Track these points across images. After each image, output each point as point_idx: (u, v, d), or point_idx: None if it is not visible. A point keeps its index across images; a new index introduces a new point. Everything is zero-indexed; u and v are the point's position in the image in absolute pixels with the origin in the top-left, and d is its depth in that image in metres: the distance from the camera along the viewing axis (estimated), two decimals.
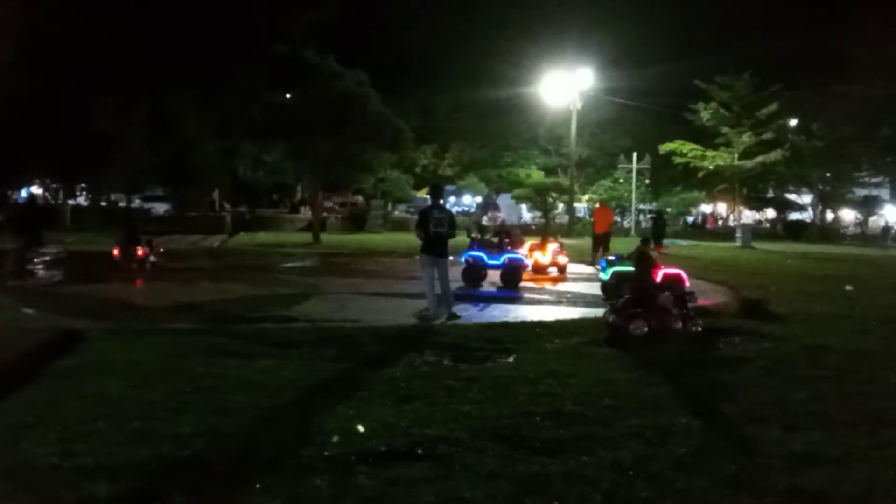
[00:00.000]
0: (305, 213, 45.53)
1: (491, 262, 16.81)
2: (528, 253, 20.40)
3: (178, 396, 6.98)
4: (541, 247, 20.30)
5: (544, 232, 27.36)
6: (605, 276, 15.29)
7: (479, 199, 62.57)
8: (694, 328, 10.86)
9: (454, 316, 11.99)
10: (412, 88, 47.19)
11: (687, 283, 13.47)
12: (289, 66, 32.02)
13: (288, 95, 34.17)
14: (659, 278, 12.92)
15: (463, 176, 54.71)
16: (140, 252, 18.60)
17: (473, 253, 17.08)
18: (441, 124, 51.51)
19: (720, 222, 65.16)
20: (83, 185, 52.85)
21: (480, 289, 16.50)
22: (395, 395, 7.17)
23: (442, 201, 13.42)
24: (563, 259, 20.15)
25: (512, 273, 16.77)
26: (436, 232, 12.08)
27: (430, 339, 10.08)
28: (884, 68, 51.17)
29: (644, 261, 12.02)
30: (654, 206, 55.12)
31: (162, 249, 20.38)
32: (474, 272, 16.86)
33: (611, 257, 16.19)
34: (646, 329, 10.53)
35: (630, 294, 11.37)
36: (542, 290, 16.89)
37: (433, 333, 10.65)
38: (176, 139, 36.51)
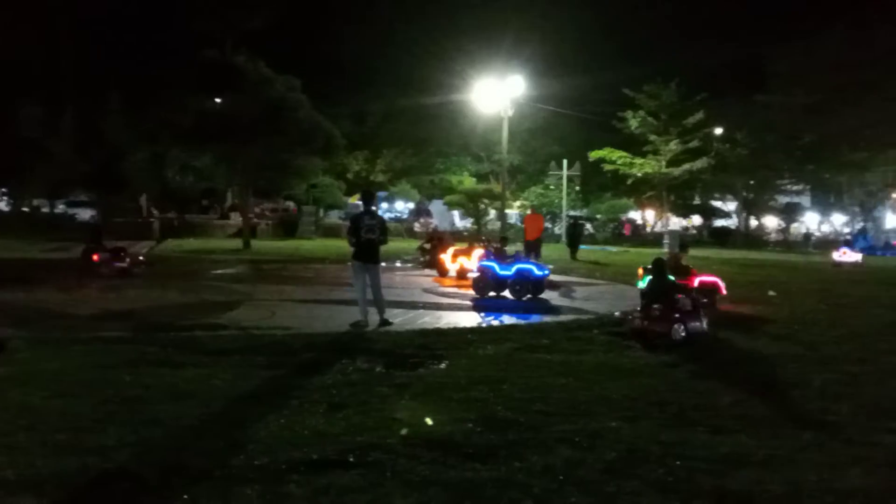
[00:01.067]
0: (236, 219, 44.96)
1: (502, 272, 16.42)
2: (452, 258, 20.54)
3: (105, 407, 6.83)
4: (466, 252, 20.43)
5: (479, 238, 27.30)
6: (643, 283, 14.71)
7: (411, 205, 62.64)
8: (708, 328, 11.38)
9: (386, 322, 11.96)
10: (344, 94, 47.03)
11: (724, 290, 14.81)
12: (218, 72, 31.61)
13: (218, 101, 33.72)
14: (696, 284, 14.33)
15: (395, 182, 54.73)
16: (123, 258, 19.28)
17: (485, 263, 16.83)
18: (373, 130, 51.51)
19: (649, 229, 66.17)
20: (4, 190, 51.45)
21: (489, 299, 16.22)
22: (326, 403, 7.12)
23: (374, 207, 13.40)
24: None
25: (521, 284, 16.25)
26: (367, 238, 12.04)
27: (362, 346, 10.04)
28: (804, 79, 52.70)
29: (677, 269, 12.88)
30: (583, 212, 55.74)
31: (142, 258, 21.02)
32: (485, 282, 16.60)
33: (649, 266, 16.01)
34: (683, 333, 10.86)
35: (652, 300, 11.64)
36: (473, 297, 16.93)
37: (365, 340, 10.60)
38: (103, 145, 35.78)
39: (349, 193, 50.94)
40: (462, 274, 20.06)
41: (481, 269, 16.73)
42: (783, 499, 5.18)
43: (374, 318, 11.94)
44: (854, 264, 30.44)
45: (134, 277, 18.54)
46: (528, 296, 16.11)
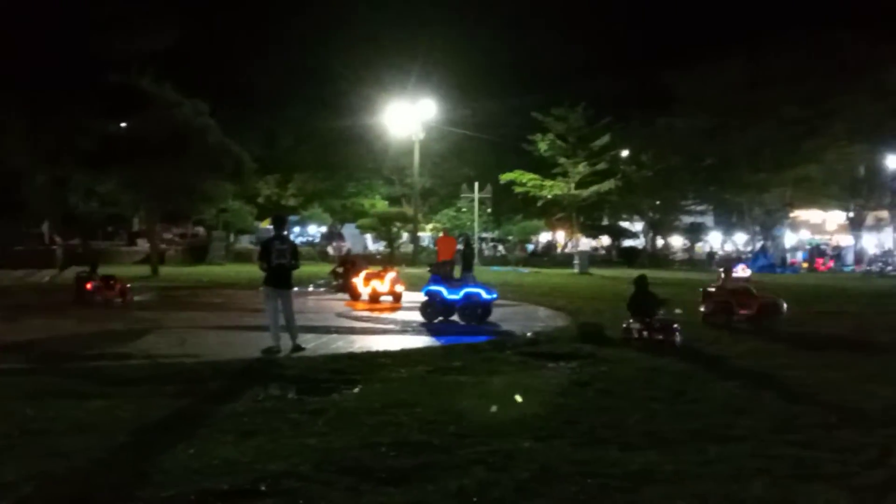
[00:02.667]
0: (143, 245, 43.96)
1: (450, 296, 16.15)
2: (364, 281, 20.51)
3: (5, 440, 6.60)
4: (378, 276, 20.45)
5: (386, 260, 27.26)
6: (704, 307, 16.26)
7: (323, 228, 62.28)
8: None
9: (299, 348, 11.85)
10: (255, 118, 46.66)
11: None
12: (123, 95, 30.97)
13: (123, 124, 33.01)
14: (755, 308, 15.61)
15: (307, 206, 54.41)
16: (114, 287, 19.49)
17: (432, 287, 16.48)
18: (284, 154, 51.15)
19: (559, 250, 67.13)
20: None
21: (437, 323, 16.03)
22: (237, 431, 7.01)
23: (285, 232, 13.29)
24: (399, 288, 20.35)
25: (470, 308, 16.01)
26: (279, 263, 11.94)
27: (274, 373, 9.93)
28: (705, 103, 54.44)
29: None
30: (495, 234, 56.30)
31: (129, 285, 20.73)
32: (433, 307, 16.32)
33: (710, 288, 16.81)
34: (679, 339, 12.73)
35: (643, 315, 13.30)
36: (386, 320, 16.93)
37: (277, 366, 10.48)
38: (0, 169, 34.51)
39: (260, 218, 50.43)
40: (375, 297, 20.09)
41: (429, 294, 16.46)
42: None
43: (286, 343, 11.82)
44: (744, 279, 31.81)
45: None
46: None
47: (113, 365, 10.52)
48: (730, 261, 44.17)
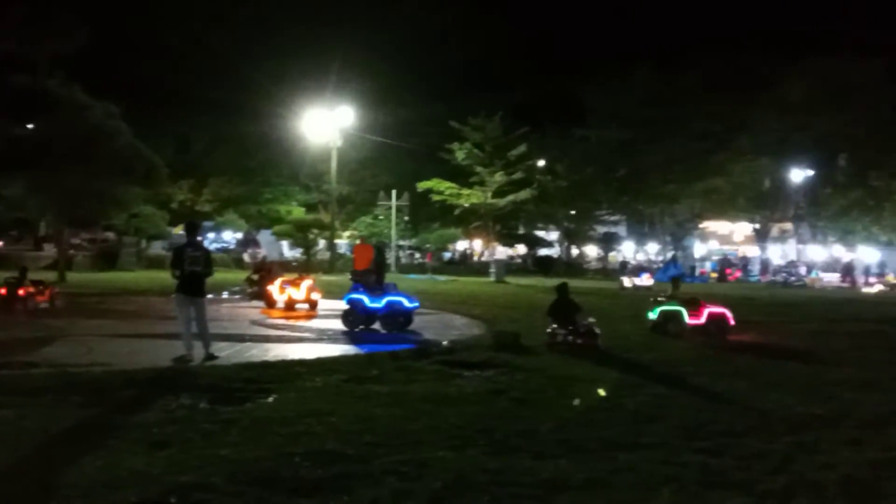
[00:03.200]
0: (50, 249, 42.65)
1: (372, 305, 16.06)
2: (279, 289, 20.32)
3: None
4: (294, 283, 20.29)
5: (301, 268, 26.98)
6: (654, 314, 16.57)
7: (239, 235, 61.42)
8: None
9: (212, 356, 11.65)
10: (168, 122, 45.77)
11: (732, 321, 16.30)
12: (30, 96, 30.04)
13: (29, 127, 32.01)
14: (704, 317, 16.13)
15: (222, 212, 53.55)
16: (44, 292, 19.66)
17: (354, 296, 16.34)
18: (199, 159, 50.32)
19: (476, 258, 67.53)
20: None
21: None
22: (147, 442, 6.86)
23: (199, 238, 13.07)
24: (316, 296, 20.22)
25: (392, 317, 16.02)
26: (191, 270, 11.73)
27: (186, 382, 9.73)
28: (618, 115, 55.64)
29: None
30: (412, 241, 56.31)
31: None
32: (355, 315, 16.19)
33: (660, 297, 17.08)
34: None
35: (565, 321, 14.14)
36: (302, 328, 16.78)
37: (190, 375, 10.28)
38: None
39: (173, 223, 49.41)
40: (290, 305, 19.92)
41: (351, 302, 16.37)
42: None
43: (198, 352, 11.61)
44: (645, 288, 34.64)
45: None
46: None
47: (16, 374, 10.20)
48: (634, 270, 45.42)
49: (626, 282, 36.51)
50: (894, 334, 18.34)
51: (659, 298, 17.25)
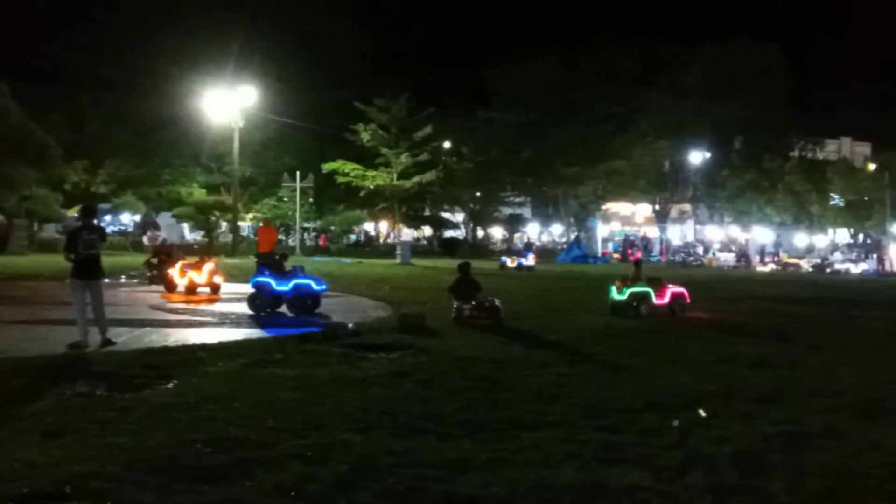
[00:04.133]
0: None
1: (279, 288, 15.78)
2: (180, 272, 19.89)
3: None
4: (196, 266, 19.88)
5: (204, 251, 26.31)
6: (623, 295, 16.85)
7: (137, 217, 59.81)
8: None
9: (109, 342, 11.32)
10: (61, 101, 44.11)
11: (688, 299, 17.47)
12: None
13: None
14: (668, 297, 17.07)
15: (119, 194, 51.94)
16: None
17: (260, 279, 16.04)
18: (94, 139, 48.56)
19: (382, 240, 67.37)
20: None
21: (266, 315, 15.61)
22: (40, 432, 6.64)
23: (95, 221, 12.66)
24: (218, 279, 19.88)
25: (300, 300, 15.80)
26: (87, 254, 11.37)
27: (81, 369, 9.43)
28: (522, 98, 56.18)
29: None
30: (317, 223, 55.83)
31: None
32: (261, 299, 15.90)
33: (628, 280, 17.23)
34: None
35: (462, 296, 14.97)
36: (204, 312, 16.46)
37: (85, 362, 9.97)
38: None
39: (68, 206, 47.73)
40: (192, 289, 19.51)
41: (257, 286, 16.13)
42: (504, 499, 5.46)
43: (95, 338, 11.27)
44: (528, 268, 36.85)
45: None
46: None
47: None
48: (518, 251, 46.61)
49: (509, 262, 37.95)
50: (785, 311, 19.06)
51: (627, 280, 17.49)
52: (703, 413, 7.87)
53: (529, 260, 38.07)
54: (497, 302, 15.09)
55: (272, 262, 16.93)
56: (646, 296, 16.86)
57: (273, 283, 15.93)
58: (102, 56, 46.51)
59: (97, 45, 47.47)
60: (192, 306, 17.27)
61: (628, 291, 16.93)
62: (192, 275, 19.62)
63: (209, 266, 19.92)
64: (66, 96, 45.03)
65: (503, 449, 6.48)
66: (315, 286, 16.09)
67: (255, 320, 14.97)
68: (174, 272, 20.05)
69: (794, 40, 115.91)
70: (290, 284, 15.87)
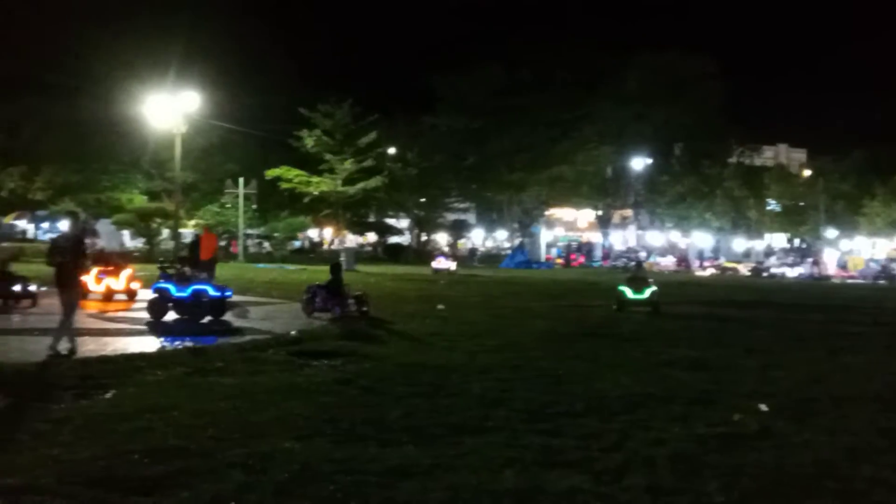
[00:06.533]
0: None
1: (178, 294, 15.62)
2: (95, 279, 19.57)
3: None
4: (114, 273, 19.65)
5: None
6: (642, 294, 19.07)
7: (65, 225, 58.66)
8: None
9: (56, 353, 11.08)
10: None
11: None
12: None
13: None
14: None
15: (56, 201, 50.88)
16: None
17: (161, 285, 15.89)
18: (30, 144, 47.50)
19: (326, 246, 67.05)
20: None
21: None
22: None
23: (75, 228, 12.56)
24: (135, 285, 19.67)
25: (198, 306, 15.64)
26: (59, 261, 11.20)
27: (13, 379, 9.20)
28: (466, 104, 56.46)
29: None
30: (261, 230, 55.24)
31: None
32: (161, 305, 15.72)
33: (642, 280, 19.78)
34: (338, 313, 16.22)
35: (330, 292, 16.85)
36: (141, 320, 16.13)
37: (17, 373, 9.71)
38: None
39: (4, 213, 46.67)
40: (108, 295, 19.24)
41: (157, 291, 16.00)
42: None
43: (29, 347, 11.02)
44: (449, 272, 38.13)
45: None
46: (208, 318, 15.63)
47: None
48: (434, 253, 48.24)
49: (436, 265, 40.46)
50: (723, 315, 19.42)
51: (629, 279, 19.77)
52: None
53: (447, 263, 40.35)
54: (365, 298, 16.98)
55: (176, 268, 16.79)
56: (658, 293, 19.08)
57: (172, 288, 15.86)
58: (38, 59, 45.58)
59: (33, 48, 46.45)
60: (134, 315, 16.95)
61: (648, 291, 18.87)
62: (109, 281, 19.39)
63: (127, 272, 19.75)
64: (1, 101, 44.02)
65: (445, 454, 6.49)
66: (212, 291, 15.97)
67: (198, 329, 14.74)
68: (89, 279, 19.56)
69: (732, 48, 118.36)
70: (189, 290, 15.81)
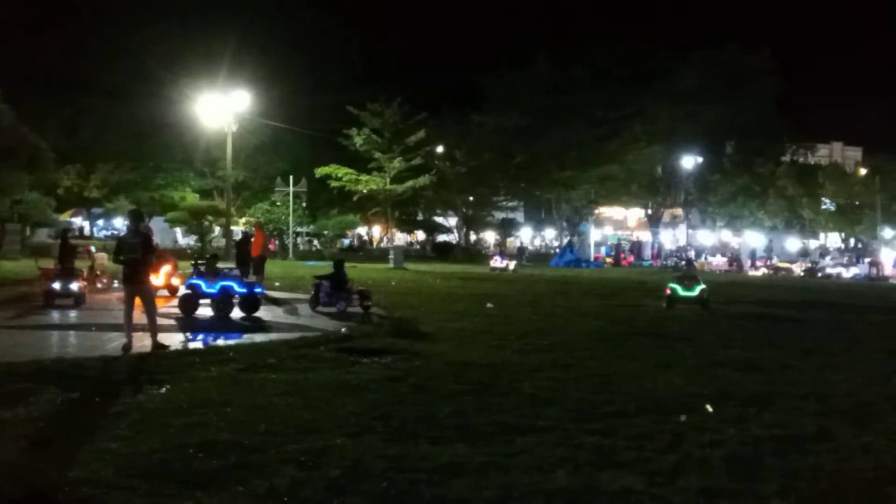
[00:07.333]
0: None
1: (207, 290, 16.01)
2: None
3: None
4: (154, 269, 19.91)
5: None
6: (693, 292, 19.60)
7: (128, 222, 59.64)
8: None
9: (160, 346, 11.45)
10: (54, 105, 43.98)
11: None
12: None
13: None
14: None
15: (111, 198, 51.86)
16: None
17: (192, 281, 16.35)
18: (87, 144, 48.46)
19: (375, 244, 67.27)
20: None
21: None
22: (30, 438, 6.60)
23: (142, 225, 12.83)
24: (175, 281, 19.92)
25: (225, 302, 15.96)
26: (128, 258, 11.47)
27: (73, 374, 9.38)
28: (515, 102, 56.25)
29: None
30: (310, 228, 55.60)
31: None
32: (191, 301, 16.06)
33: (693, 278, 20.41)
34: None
35: (343, 289, 17.81)
36: (194, 316, 16.37)
37: (77, 368, 9.89)
38: None
39: (60, 210, 47.61)
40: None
41: (189, 287, 16.42)
42: (496, 503, 5.45)
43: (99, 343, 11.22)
44: (506, 269, 38.85)
45: None
46: (241, 314, 15.91)
47: None
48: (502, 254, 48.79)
49: (493, 263, 40.87)
50: (777, 315, 19.10)
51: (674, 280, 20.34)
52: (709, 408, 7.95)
53: (504, 262, 40.58)
54: (367, 293, 18.02)
55: (210, 265, 17.09)
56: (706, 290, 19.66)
57: (203, 285, 16.22)
58: (96, 60, 46.46)
59: (90, 50, 47.37)
60: (164, 310, 17.16)
61: (698, 288, 19.35)
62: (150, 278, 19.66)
63: (166, 268, 19.97)
64: (60, 101, 44.91)
65: (496, 453, 6.47)
66: (238, 287, 16.28)
67: (247, 326, 14.90)
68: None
69: (787, 45, 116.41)
70: (218, 286, 16.13)
